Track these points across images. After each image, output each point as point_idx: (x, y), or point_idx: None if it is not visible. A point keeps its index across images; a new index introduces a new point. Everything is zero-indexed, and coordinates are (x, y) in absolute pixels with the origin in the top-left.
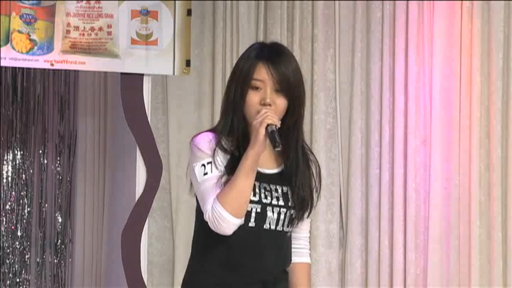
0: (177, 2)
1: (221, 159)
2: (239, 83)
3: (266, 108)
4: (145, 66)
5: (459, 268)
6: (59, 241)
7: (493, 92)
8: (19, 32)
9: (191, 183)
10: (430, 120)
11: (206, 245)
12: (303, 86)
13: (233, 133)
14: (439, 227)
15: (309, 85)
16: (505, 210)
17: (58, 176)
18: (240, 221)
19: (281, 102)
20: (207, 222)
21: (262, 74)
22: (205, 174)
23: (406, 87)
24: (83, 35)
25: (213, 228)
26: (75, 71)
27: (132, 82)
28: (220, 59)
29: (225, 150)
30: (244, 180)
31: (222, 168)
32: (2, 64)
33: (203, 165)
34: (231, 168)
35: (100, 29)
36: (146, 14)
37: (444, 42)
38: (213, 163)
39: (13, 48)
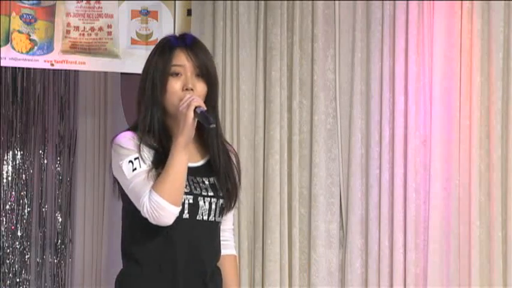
0: (177, 2)
1: (147, 154)
2: (158, 73)
3: (189, 93)
4: None
5: (459, 268)
6: (59, 241)
7: (493, 92)
8: (19, 32)
9: (116, 184)
10: (430, 120)
11: (141, 243)
12: (217, 76)
13: (153, 128)
14: (439, 227)
15: (309, 85)
16: (505, 210)
17: (58, 176)
18: (178, 209)
19: (202, 87)
20: (140, 220)
21: (182, 60)
22: (134, 169)
23: (406, 87)
24: (83, 35)
25: (152, 221)
26: (75, 71)
27: (132, 82)
28: (220, 59)
29: (149, 146)
30: (178, 166)
31: (149, 163)
32: (2, 64)
33: (130, 161)
34: (158, 162)
35: (100, 29)
36: (146, 14)
37: (444, 42)
38: (140, 158)
39: (13, 48)
